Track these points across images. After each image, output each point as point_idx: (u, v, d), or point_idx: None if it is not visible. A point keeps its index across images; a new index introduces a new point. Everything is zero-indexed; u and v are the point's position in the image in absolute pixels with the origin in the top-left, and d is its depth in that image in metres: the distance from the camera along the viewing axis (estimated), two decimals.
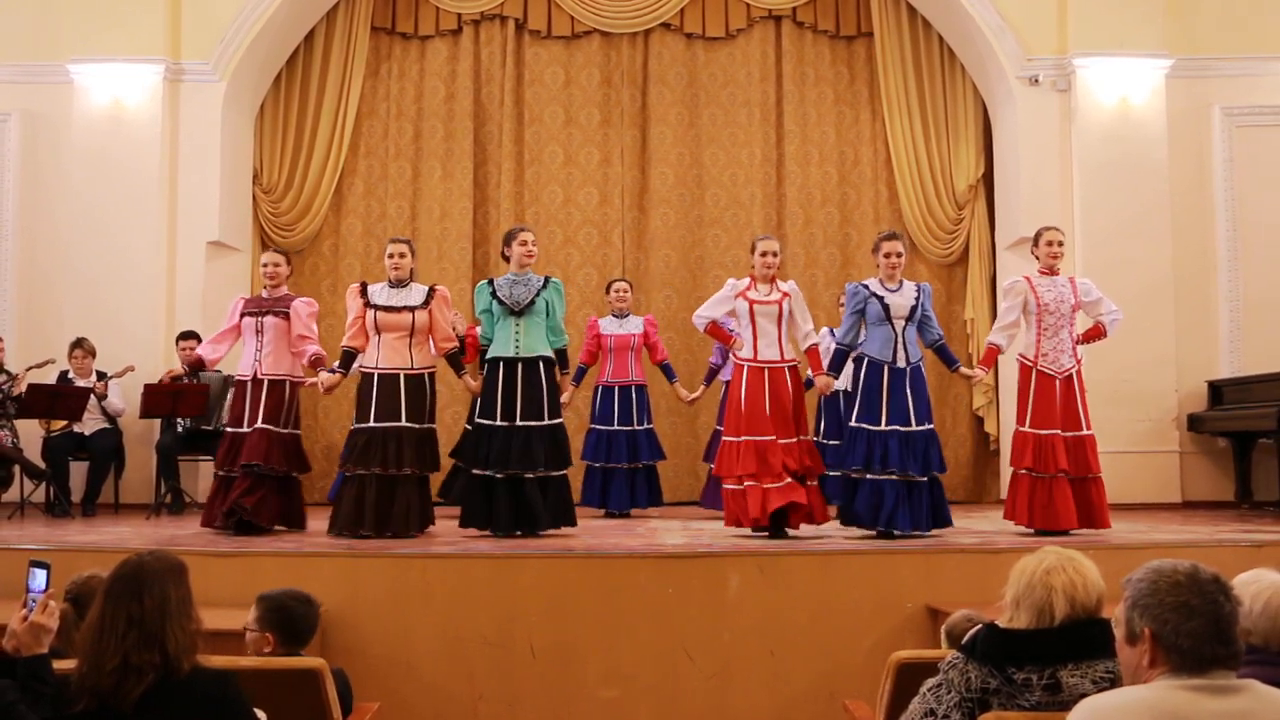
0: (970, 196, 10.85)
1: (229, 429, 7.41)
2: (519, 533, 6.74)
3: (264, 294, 7.54)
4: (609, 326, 8.95)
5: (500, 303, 6.98)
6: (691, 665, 5.52)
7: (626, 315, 9.01)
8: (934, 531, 6.80)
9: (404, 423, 6.90)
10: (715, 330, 7.18)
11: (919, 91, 10.93)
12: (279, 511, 7.24)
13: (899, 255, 6.99)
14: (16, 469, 8.98)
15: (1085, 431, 6.95)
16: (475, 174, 11.02)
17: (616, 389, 8.84)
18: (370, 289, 7.12)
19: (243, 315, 7.41)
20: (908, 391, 6.85)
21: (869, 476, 6.75)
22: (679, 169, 11.04)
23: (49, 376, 9.20)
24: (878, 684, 3.71)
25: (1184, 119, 10.15)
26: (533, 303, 6.96)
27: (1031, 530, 6.80)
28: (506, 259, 7.20)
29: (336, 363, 7.24)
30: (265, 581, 5.52)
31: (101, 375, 9.26)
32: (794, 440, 6.84)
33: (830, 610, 5.65)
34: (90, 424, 9.25)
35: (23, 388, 8.95)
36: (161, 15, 10.03)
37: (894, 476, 6.71)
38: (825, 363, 7.26)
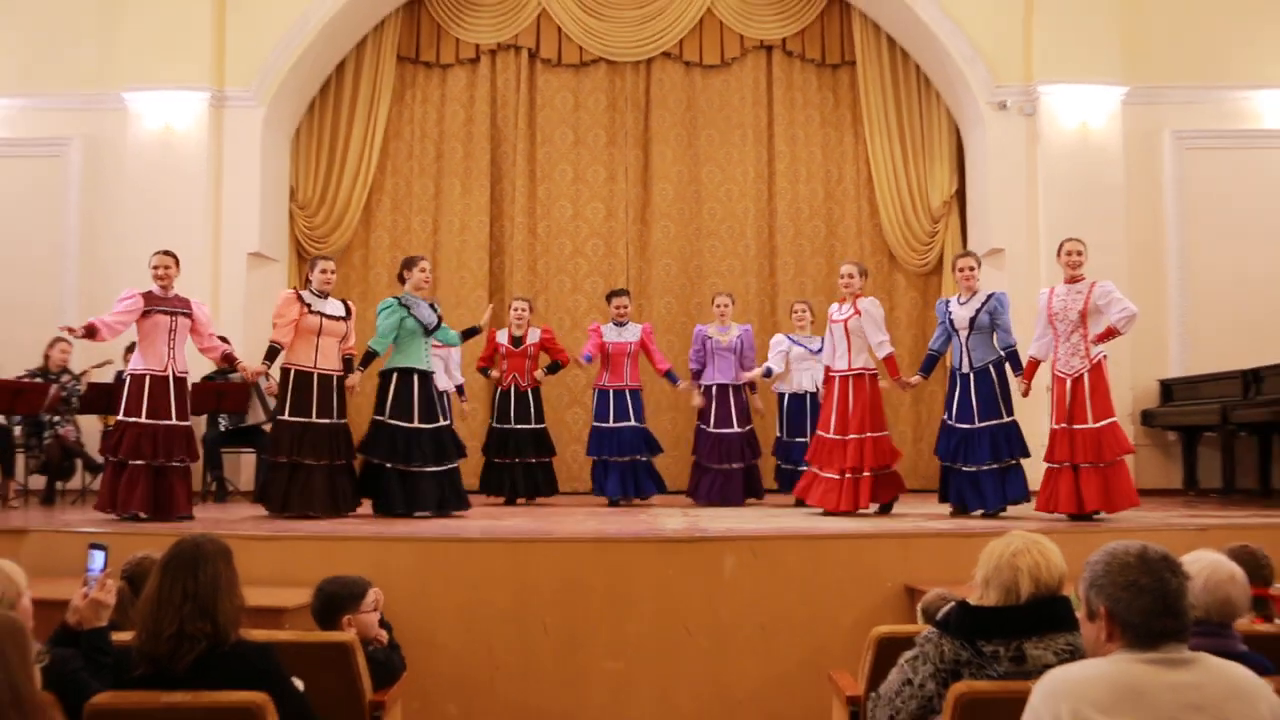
0: (944, 211, 10.85)
1: (134, 419, 6.87)
2: (427, 514, 7.16)
3: (155, 290, 7.05)
4: (610, 334, 8.86)
5: (418, 322, 7.38)
6: (690, 640, 5.51)
7: (625, 324, 8.91)
8: (1007, 508, 7.15)
9: (336, 419, 7.22)
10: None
11: (897, 115, 10.93)
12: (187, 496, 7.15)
13: (970, 270, 7.37)
14: (79, 461, 9.03)
15: (1091, 425, 6.87)
16: (492, 190, 11.03)
17: (612, 392, 8.78)
18: (304, 296, 7.27)
19: (149, 312, 6.97)
20: (971, 393, 7.22)
21: (946, 466, 7.37)
22: (678, 185, 11.05)
23: (106, 376, 9.22)
24: (860, 656, 3.73)
25: (1138, 142, 10.19)
26: (439, 323, 7.56)
27: (1063, 515, 6.87)
28: (403, 281, 7.57)
29: (264, 356, 7.30)
30: (303, 563, 5.55)
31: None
32: (868, 436, 7.40)
33: (817, 589, 5.64)
34: None
35: (84, 386, 8.99)
36: (207, 47, 10.09)
37: (965, 468, 7.19)
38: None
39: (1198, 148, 10.25)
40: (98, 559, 3.21)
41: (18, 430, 9.02)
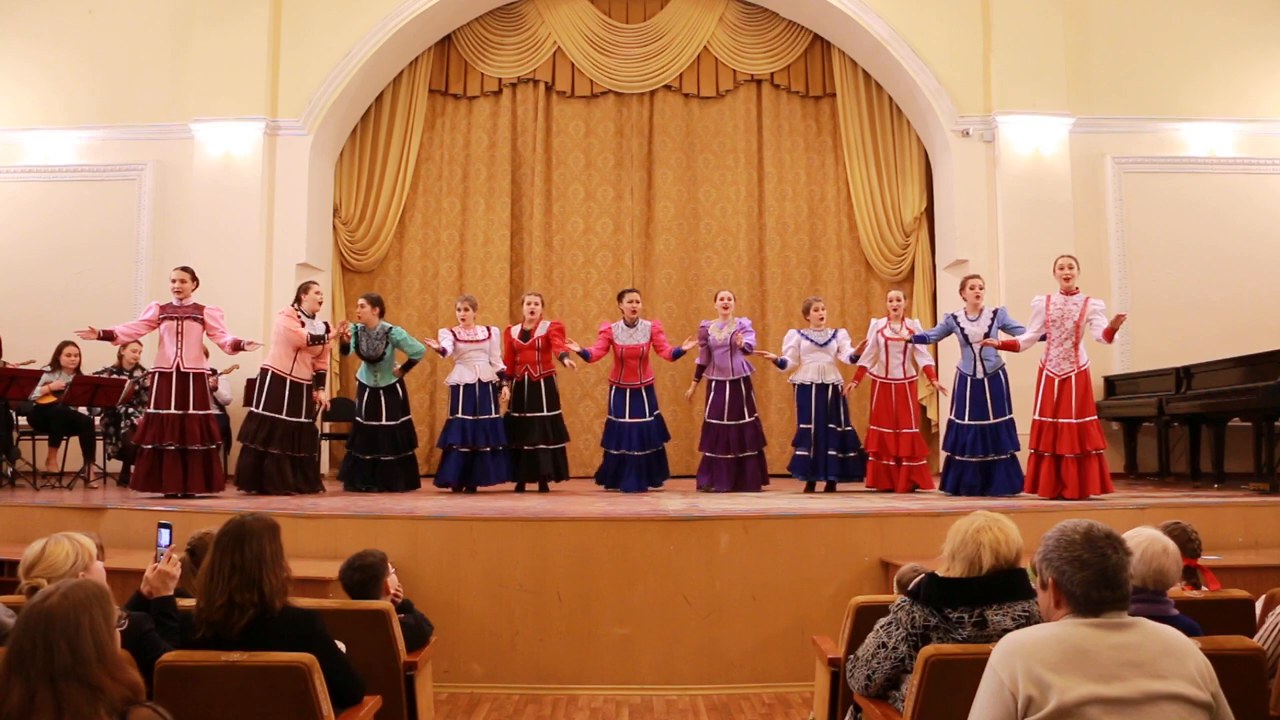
0: (915, 226, 10.83)
1: (156, 410, 7.12)
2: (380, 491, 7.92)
3: (175, 301, 7.34)
4: (621, 336, 8.40)
5: (359, 352, 8.16)
6: (689, 608, 5.51)
7: (637, 324, 8.44)
8: (1007, 496, 7.18)
9: (302, 418, 7.67)
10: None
11: (873, 141, 10.92)
12: (214, 476, 7.28)
13: (980, 288, 7.58)
14: None
15: (1075, 420, 6.89)
16: (512, 208, 11.02)
17: (628, 391, 8.38)
18: (300, 316, 7.68)
19: (163, 318, 7.28)
20: (986, 395, 7.39)
21: (955, 458, 7.43)
22: (678, 203, 11.03)
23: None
24: (840, 622, 3.72)
25: (1083, 166, 10.22)
26: (381, 355, 8.12)
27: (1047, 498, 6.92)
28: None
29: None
30: (346, 539, 5.56)
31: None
32: (907, 431, 7.98)
33: (802, 563, 5.64)
34: None
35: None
36: (263, 83, 10.12)
37: (973, 459, 7.34)
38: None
39: (1135, 172, 10.35)
40: (164, 536, 3.22)
41: (98, 420, 9.04)
